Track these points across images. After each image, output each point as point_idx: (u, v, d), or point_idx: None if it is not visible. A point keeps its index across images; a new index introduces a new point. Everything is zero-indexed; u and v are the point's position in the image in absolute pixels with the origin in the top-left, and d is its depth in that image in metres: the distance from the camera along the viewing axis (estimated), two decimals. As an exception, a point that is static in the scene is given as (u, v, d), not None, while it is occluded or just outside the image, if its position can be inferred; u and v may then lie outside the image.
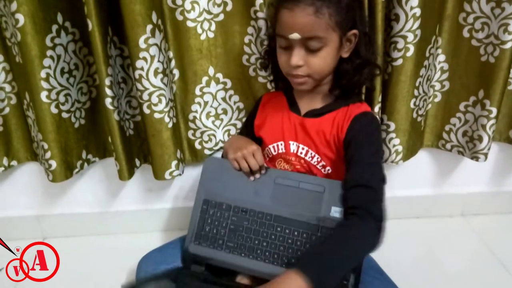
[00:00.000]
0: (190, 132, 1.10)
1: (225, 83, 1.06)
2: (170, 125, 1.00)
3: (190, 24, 0.98)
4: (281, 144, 0.92)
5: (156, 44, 0.92)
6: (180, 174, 1.07)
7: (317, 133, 0.88)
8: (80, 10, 0.87)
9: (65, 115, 0.99)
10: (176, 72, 1.03)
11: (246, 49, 1.01)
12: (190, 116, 1.07)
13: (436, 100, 1.12)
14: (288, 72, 0.85)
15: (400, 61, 0.96)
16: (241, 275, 0.89)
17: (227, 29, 1.00)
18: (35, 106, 0.95)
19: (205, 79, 1.04)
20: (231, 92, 1.07)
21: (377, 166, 0.82)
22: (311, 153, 0.90)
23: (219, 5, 0.97)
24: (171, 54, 1.00)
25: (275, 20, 0.83)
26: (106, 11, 0.90)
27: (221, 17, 0.99)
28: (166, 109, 0.98)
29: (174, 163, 1.04)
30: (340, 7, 0.78)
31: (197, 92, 1.05)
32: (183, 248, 0.90)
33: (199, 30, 0.99)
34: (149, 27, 0.89)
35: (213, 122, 1.09)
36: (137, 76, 0.93)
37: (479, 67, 1.03)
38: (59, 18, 0.92)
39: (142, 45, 0.90)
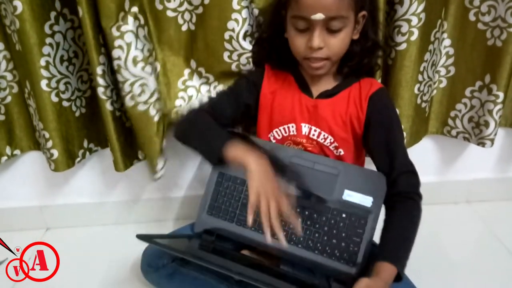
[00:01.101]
0: None
1: (207, 78, 1.02)
2: (156, 118, 0.97)
3: (170, 14, 0.94)
4: (292, 126, 0.91)
5: (132, 31, 0.88)
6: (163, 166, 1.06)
7: (333, 114, 0.88)
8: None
9: (65, 103, 0.98)
10: (157, 64, 0.99)
11: (227, 45, 0.95)
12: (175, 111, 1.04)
13: (441, 85, 1.10)
14: (306, 55, 0.83)
15: (404, 46, 0.94)
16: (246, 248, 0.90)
17: (207, 23, 0.94)
18: (36, 95, 0.94)
19: (187, 71, 1.01)
20: (215, 83, 1.03)
21: (405, 147, 0.89)
22: (324, 135, 0.89)
23: None
24: (151, 44, 0.97)
25: (290, 1, 0.81)
26: None
27: (200, 9, 0.93)
28: (151, 100, 0.94)
29: (160, 158, 1.03)
30: None
31: (180, 85, 1.02)
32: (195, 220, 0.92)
33: (180, 21, 0.95)
34: (121, 14, 0.87)
35: None
36: (115, 67, 0.90)
37: (486, 51, 1.01)
38: (57, 5, 0.91)
39: (115, 33, 0.87)
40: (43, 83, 0.92)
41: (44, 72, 0.92)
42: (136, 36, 0.90)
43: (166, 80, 1.02)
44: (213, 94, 1.02)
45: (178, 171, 1.19)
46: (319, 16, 0.76)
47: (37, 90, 0.93)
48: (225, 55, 0.97)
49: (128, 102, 0.93)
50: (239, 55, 0.96)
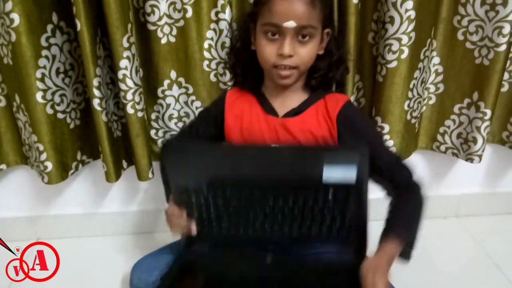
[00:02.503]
0: (152, 132, 1.10)
1: (187, 88, 1.05)
2: (146, 123, 1.02)
3: (150, 27, 0.97)
4: None
5: (134, 43, 0.93)
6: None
7: (302, 132, 0.87)
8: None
9: (60, 115, 0.98)
10: (140, 71, 1.02)
11: (207, 54, 1.00)
12: (153, 116, 1.08)
13: (431, 102, 1.12)
14: (276, 63, 0.83)
15: (394, 63, 0.97)
16: None
17: (187, 35, 0.99)
18: (30, 108, 0.94)
19: (166, 82, 1.04)
20: (193, 97, 1.06)
21: (386, 144, 0.96)
22: None
23: (179, 11, 0.97)
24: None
25: (262, 10, 0.82)
26: (96, 12, 0.90)
27: (182, 23, 0.98)
28: (144, 107, 0.99)
29: (152, 162, 1.06)
30: (326, 3, 0.82)
31: (159, 94, 1.05)
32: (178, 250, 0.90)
33: (160, 34, 0.98)
34: (129, 26, 0.90)
35: (176, 124, 1.09)
36: (121, 76, 0.93)
37: (474, 69, 1.04)
38: (54, 18, 0.92)
39: (125, 44, 0.90)
40: (39, 95, 0.93)
41: (39, 84, 0.92)
42: (136, 47, 0.94)
43: (146, 86, 1.04)
44: (190, 106, 1.08)
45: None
46: (291, 23, 0.78)
47: (32, 103, 0.93)
48: (205, 64, 1.01)
49: (129, 110, 0.96)
50: (217, 64, 1.01)
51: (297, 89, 0.90)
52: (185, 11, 0.96)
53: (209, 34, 0.98)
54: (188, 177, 0.83)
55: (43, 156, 0.99)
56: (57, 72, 0.95)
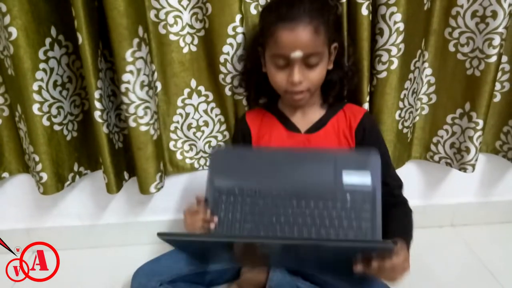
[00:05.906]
0: (171, 143, 1.11)
1: (207, 96, 1.07)
2: (154, 137, 1.01)
3: (172, 37, 1.00)
4: None
5: (142, 58, 0.93)
6: (162, 187, 1.09)
7: (325, 144, 0.93)
8: (73, 23, 0.89)
9: (57, 127, 0.99)
10: (158, 84, 1.04)
11: (222, 68, 1.00)
12: (172, 127, 1.09)
13: (424, 112, 1.14)
14: (288, 89, 0.87)
15: (384, 74, 0.98)
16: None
17: (208, 44, 1.01)
18: (27, 119, 0.96)
19: (187, 91, 1.06)
20: (213, 104, 1.08)
21: (392, 162, 1.00)
22: None
23: (201, 21, 0.99)
24: (153, 66, 1.02)
25: (268, 41, 0.85)
26: (97, 25, 0.92)
27: (203, 32, 1.00)
28: (151, 122, 0.99)
29: (158, 175, 1.05)
30: (329, 24, 0.84)
31: (179, 103, 1.07)
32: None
33: (182, 44, 1.01)
34: (136, 40, 0.91)
35: (194, 133, 1.10)
36: (123, 90, 0.94)
37: (465, 80, 1.05)
38: (53, 31, 0.94)
39: (128, 58, 0.91)
40: (35, 107, 0.94)
41: (36, 97, 0.94)
42: (145, 61, 0.95)
43: (166, 98, 1.06)
44: (210, 113, 1.10)
45: (167, 194, 1.20)
46: (298, 54, 0.81)
47: (29, 114, 0.95)
48: (220, 77, 1.02)
49: (131, 123, 0.97)
50: (232, 78, 1.02)
51: (314, 104, 0.95)
52: (205, 21, 0.98)
53: (226, 48, 0.98)
54: (223, 179, 0.90)
55: (39, 167, 1.00)
56: (55, 85, 0.97)
